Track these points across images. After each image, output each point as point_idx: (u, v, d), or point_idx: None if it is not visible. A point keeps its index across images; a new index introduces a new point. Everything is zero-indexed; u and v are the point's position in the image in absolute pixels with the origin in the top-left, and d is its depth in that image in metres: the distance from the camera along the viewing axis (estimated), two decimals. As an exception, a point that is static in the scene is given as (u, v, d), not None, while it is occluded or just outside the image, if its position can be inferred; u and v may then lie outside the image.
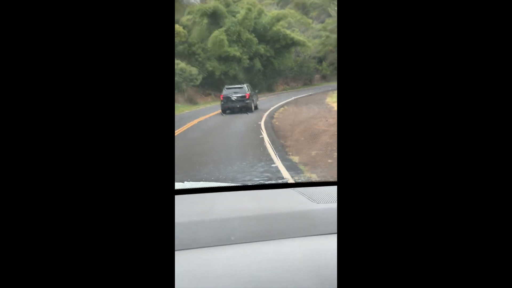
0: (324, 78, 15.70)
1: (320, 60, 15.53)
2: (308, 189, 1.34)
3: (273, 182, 1.54)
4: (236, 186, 1.44)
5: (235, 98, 7.51)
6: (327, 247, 0.91)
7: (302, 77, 15.27)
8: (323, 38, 15.01)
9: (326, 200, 1.18)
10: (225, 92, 7.78)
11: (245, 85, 7.97)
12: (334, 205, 1.15)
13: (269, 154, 3.99)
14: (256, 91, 8.66)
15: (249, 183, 1.50)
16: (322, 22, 15.80)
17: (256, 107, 7.98)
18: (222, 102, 7.67)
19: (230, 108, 7.52)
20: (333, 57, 14.60)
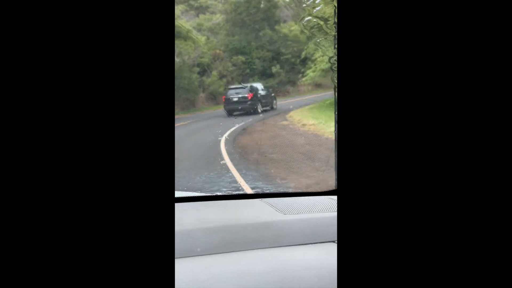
0: (214, 98, 8.09)
1: (204, 70, 7.96)
2: (276, 200, 1.34)
3: (241, 192, 1.56)
4: (204, 196, 1.44)
5: (237, 99, 7.28)
6: (291, 259, 0.92)
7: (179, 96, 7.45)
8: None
9: (293, 211, 1.18)
10: (227, 93, 7.55)
11: (249, 85, 7.68)
12: (300, 216, 1.15)
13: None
14: (270, 90, 8.14)
15: (216, 194, 1.51)
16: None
17: (272, 107, 7.59)
18: (224, 104, 7.42)
19: (233, 109, 7.29)
20: (224, 66, 8.14)
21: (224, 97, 7.65)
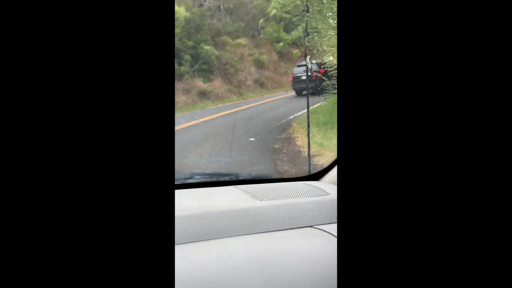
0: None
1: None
2: (250, 186, 1.27)
3: (215, 180, 1.49)
4: (177, 184, 1.38)
5: (305, 77, 6.93)
6: (269, 245, 0.87)
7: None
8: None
9: (269, 197, 1.13)
10: (295, 70, 6.89)
11: (319, 61, 7.21)
12: (276, 202, 1.10)
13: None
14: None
15: (190, 181, 1.45)
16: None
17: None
18: (292, 83, 6.76)
19: (303, 88, 6.96)
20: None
21: (292, 75, 6.96)
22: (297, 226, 1.04)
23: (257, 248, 0.88)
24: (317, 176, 1.59)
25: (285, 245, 0.91)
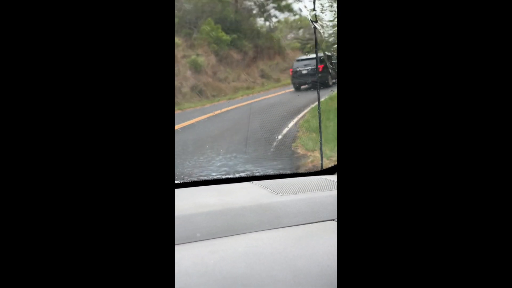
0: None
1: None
2: (268, 182, 1.27)
3: (231, 176, 1.50)
4: (195, 181, 1.38)
5: (306, 71, 6.58)
6: (294, 239, 0.89)
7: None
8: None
9: (288, 192, 1.13)
10: (294, 65, 6.85)
11: (319, 56, 6.95)
12: (297, 197, 1.10)
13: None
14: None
15: (206, 178, 1.44)
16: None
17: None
18: (292, 77, 6.76)
19: (302, 83, 6.56)
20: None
21: (291, 69, 6.94)
22: (319, 220, 1.05)
23: (283, 242, 0.87)
24: (332, 170, 1.60)
25: (310, 238, 0.90)
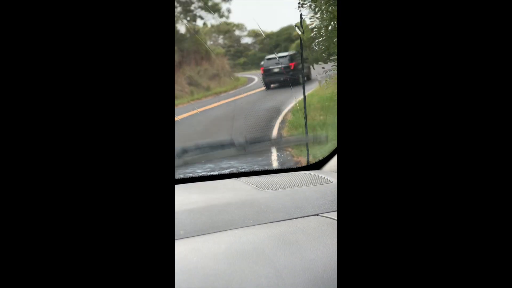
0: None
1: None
2: (252, 178, 1.29)
3: (216, 173, 1.50)
4: (180, 178, 1.37)
5: (277, 70, 6.56)
6: (278, 234, 0.88)
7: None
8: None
9: (273, 187, 1.15)
10: (265, 63, 6.84)
11: (289, 54, 6.74)
12: (281, 192, 1.12)
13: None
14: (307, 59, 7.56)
15: (191, 176, 1.45)
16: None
17: (308, 78, 6.91)
18: (263, 76, 6.75)
19: (273, 82, 6.56)
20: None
21: (262, 68, 6.93)
22: (303, 215, 1.05)
23: (266, 238, 0.87)
24: (318, 165, 1.60)
25: (294, 234, 0.90)
